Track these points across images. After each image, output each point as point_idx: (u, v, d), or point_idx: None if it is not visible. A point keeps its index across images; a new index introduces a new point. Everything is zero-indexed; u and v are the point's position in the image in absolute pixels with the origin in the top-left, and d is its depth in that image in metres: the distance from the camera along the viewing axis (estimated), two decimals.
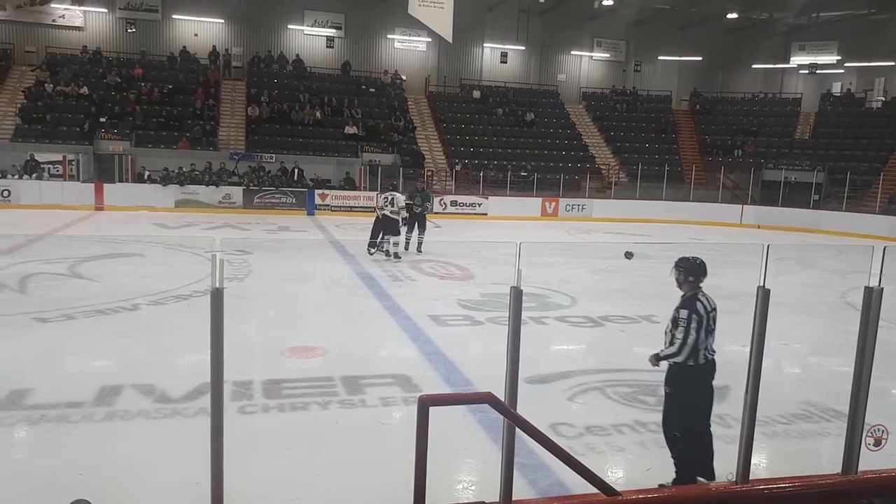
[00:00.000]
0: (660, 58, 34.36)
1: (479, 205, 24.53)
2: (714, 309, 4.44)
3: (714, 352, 4.46)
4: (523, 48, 32.71)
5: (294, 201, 22.97)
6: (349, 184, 24.37)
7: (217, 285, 2.48)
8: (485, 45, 32.43)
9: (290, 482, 4.45)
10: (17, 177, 21.38)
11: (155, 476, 4.43)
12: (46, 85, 24.94)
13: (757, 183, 27.12)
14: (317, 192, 23.34)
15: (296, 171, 23.98)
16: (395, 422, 5.63)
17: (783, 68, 34.08)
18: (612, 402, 6.10)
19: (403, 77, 30.68)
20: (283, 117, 26.54)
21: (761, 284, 3.22)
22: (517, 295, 3.17)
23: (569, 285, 11.32)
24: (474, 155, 27.92)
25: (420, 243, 14.59)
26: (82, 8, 27.70)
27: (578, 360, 7.74)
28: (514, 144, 29.14)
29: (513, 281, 3.33)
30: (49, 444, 4.90)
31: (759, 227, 23.93)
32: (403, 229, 14.15)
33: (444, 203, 24.30)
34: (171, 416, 5.39)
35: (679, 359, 4.35)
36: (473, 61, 32.62)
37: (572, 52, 33.89)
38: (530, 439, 3.12)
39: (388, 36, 31.22)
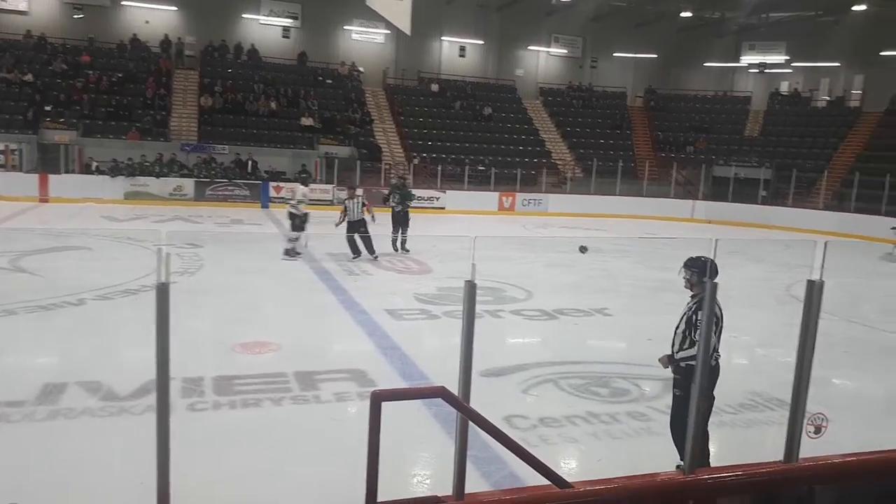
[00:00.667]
0: (615, 54, 34.82)
1: (437, 198, 24.51)
2: (721, 310, 4.40)
3: (720, 354, 4.49)
4: (482, 42, 32.76)
5: (248, 194, 22.58)
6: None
7: (162, 279, 2.41)
8: (443, 38, 32.37)
9: (241, 480, 4.38)
10: None
11: (100, 476, 4.32)
12: None
13: (708, 179, 27.76)
14: (271, 184, 22.98)
15: (249, 162, 23.57)
16: (349, 417, 5.59)
17: (734, 67, 34.92)
18: (565, 394, 6.18)
19: (361, 69, 30.41)
20: (238, 108, 26.02)
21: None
22: (471, 289, 3.17)
23: (525, 279, 11.40)
24: (432, 148, 27.87)
25: (404, 241, 14.05)
26: None
27: (533, 352, 7.81)
28: (471, 138, 29.19)
29: (468, 275, 3.33)
30: None
31: (710, 223, 24.51)
32: (303, 232, 12.76)
33: None
34: (118, 413, 5.24)
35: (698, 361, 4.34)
36: (432, 54, 32.54)
37: (530, 48, 34.09)
38: (484, 432, 3.13)
39: (346, 27, 30.89)
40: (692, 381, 4.31)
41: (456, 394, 3.16)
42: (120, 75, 25.46)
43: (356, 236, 12.87)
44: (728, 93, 34.23)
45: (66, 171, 21.55)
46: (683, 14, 31.47)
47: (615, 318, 9.40)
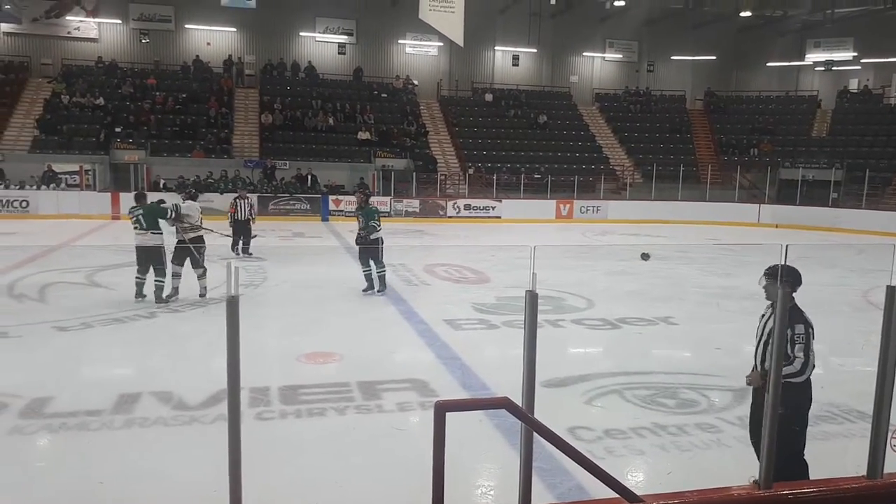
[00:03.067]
0: (673, 57, 34.18)
1: (493, 208, 24.50)
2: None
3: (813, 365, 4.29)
4: (535, 50, 32.67)
5: (308, 207, 23.06)
6: (362, 189, 24.44)
7: (232, 293, 2.47)
8: (496, 48, 32.43)
9: (308, 489, 4.45)
10: (35, 187, 21.65)
11: (174, 483, 4.44)
12: (63, 96, 25.27)
13: (774, 182, 26.88)
14: (331, 197, 23.43)
15: (309, 177, 24.09)
16: (412, 427, 5.61)
17: (798, 66, 33.77)
18: (631, 405, 6.04)
19: (415, 82, 30.75)
20: (297, 124, 26.69)
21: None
22: (532, 298, 3.14)
23: (585, 288, 11.25)
24: (487, 158, 27.90)
25: (381, 278, 10.52)
26: (97, 20, 28.04)
27: (596, 362, 7.68)
28: (527, 147, 29.09)
29: (528, 284, 3.30)
30: (70, 452, 4.93)
31: (776, 227, 23.69)
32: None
33: (458, 207, 24.30)
34: (189, 423, 5.40)
35: (801, 378, 4.11)
36: (485, 64, 32.63)
37: (584, 54, 33.80)
38: (549, 443, 3.09)
39: (400, 41, 31.31)
40: (798, 398, 4.12)
41: (519, 404, 3.14)
42: (184, 96, 26.48)
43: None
44: (793, 92, 33.12)
45: (136, 189, 22.48)
46: (743, 14, 30.66)
47: (680, 326, 9.16)
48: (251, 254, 13.92)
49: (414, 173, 25.06)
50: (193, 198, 10.50)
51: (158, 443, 5.09)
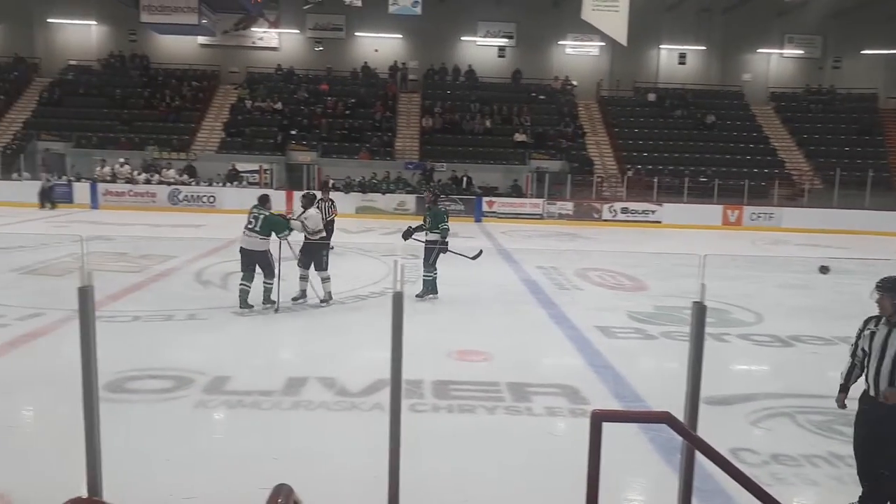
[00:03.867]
0: (863, 52, 30.93)
1: (653, 212, 23.56)
2: None
3: None
4: (704, 48, 30.98)
5: (462, 208, 23.52)
6: (516, 191, 24.50)
7: (398, 288, 2.58)
8: (661, 46, 31.15)
9: (460, 483, 4.53)
10: (221, 184, 23.94)
11: (334, 465, 4.71)
12: (246, 101, 27.73)
13: None
14: (484, 199, 23.73)
15: (464, 178, 24.56)
16: (560, 433, 5.54)
17: None
18: (804, 431, 5.55)
19: (574, 83, 30.32)
20: (455, 127, 27.32)
21: None
22: (700, 311, 2.98)
23: (753, 301, 10.50)
24: (648, 160, 26.89)
25: (430, 282, 10.02)
26: (277, 30, 30.41)
27: (763, 382, 7.14)
28: (692, 148, 27.67)
29: (693, 295, 3.14)
30: (245, 427, 5.39)
31: None
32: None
33: (615, 210, 23.64)
34: (350, 409, 5.70)
35: None
36: (648, 63, 31.45)
37: (759, 50, 31.53)
38: (706, 463, 2.92)
39: (560, 42, 31.01)
40: None
41: (680, 420, 2.99)
42: (353, 101, 28.03)
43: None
44: None
45: (307, 188, 24.13)
46: None
47: None
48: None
49: (569, 175, 24.72)
50: (312, 202, 10.11)
51: (322, 425, 5.43)
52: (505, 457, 4.96)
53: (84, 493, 2.43)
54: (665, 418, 2.77)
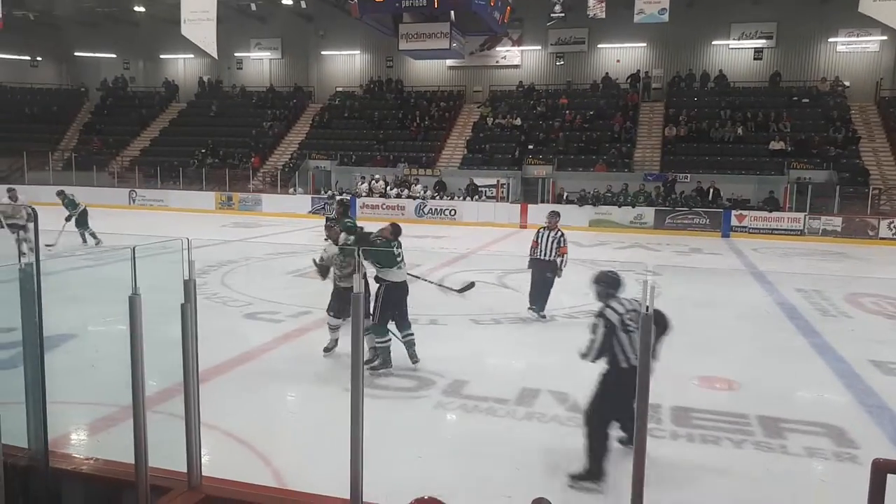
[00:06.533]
0: None
1: None
2: None
3: None
4: None
5: (707, 222, 22.01)
6: (770, 204, 22.25)
7: (647, 312, 2.45)
8: None
9: None
10: (461, 198, 25.18)
11: (561, 481, 4.64)
12: (488, 119, 28.86)
13: None
14: (733, 212, 21.96)
15: (711, 190, 22.97)
16: (825, 478, 4.89)
17: None
18: None
19: (846, 83, 26.87)
20: (702, 136, 25.75)
21: None
22: None
23: None
24: None
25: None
26: (520, 48, 31.24)
27: None
28: None
29: None
30: (481, 433, 5.54)
31: None
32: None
33: (895, 227, 20.43)
34: (580, 426, 5.59)
35: None
36: None
37: None
38: None
39: (830, 39, 27.70)
40: None
41: None
42: (591, 113, 27.76)
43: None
44: None
45: (541, 201, 24.40)
46: None
47: None
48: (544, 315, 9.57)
49: (837, 186, 21.89)
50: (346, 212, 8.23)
51: (553, 440, 5.39)
52: (755, 494, 4.50)
53: (346, 482, 2.66)
54: None
